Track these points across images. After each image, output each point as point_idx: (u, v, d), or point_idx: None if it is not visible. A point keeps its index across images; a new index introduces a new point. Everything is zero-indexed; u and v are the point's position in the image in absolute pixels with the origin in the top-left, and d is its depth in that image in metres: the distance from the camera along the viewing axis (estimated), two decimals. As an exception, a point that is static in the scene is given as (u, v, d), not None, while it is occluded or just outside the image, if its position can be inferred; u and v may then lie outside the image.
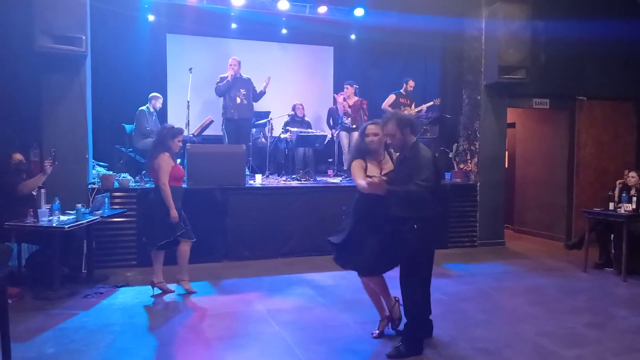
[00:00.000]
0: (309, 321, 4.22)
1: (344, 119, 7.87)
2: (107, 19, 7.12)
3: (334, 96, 8.61)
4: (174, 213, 4.67)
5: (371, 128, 3.72)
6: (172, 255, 4.97)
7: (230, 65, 7.33)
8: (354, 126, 7.82)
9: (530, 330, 4.04)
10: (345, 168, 7.52)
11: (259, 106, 8.40)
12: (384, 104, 7.83)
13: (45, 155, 5.38)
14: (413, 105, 7.88)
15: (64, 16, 5.33)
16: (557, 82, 7.73)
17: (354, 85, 7.97)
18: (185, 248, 4.86)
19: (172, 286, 4.96)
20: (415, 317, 3.57)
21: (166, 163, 4.73)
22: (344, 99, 7.90)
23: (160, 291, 4.90)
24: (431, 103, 7.91)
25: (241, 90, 7.39)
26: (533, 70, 7.18)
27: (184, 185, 5.39)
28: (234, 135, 7.38)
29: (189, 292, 4.90)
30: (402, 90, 7.92)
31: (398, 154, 3.72)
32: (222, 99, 7.54)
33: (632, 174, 6.10)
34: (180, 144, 4.92)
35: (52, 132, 5.66)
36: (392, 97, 7.88)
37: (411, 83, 7.93)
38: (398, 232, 3.52)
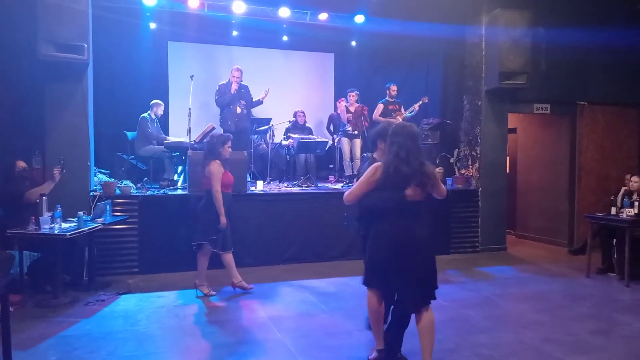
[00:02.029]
0: (311, 328, 4.21)
1: (346, 126, 7.89)
2: (109, 27, 7.14)
3: (335, 104, 8.61)
4: (223, 220, 4.82)
5: None
6: (193, 261, 5.12)
7: (234, 77, 7.32)
8: (355, 132, 7.84)
9: (534, 337, 4.02)
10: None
11: (260, 113, 8.42)
12: (374, 114, 7.84)
13: (49, 162, 5.39)
14: (402, 109, 7.89)
15: (67, 25, 5.35)
16: (558, 88, 7.75)
17: (356, 92, 8.00)
18: (207, 254, 5.03)
19: (191, 291, 5.08)
20: None
21: (217, 170, 4.85)
22: (346, 106, 7.92)
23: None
24: (420, 102, 7.90)
25: (241, 101, 7.42)
26: (534, 76, 7.19)
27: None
28: (233, 145, 7.36)
29: (207, 296, 5.02)
30: (388, 98, 7.94)
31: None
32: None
33: (635, 178, 6.08)
34: (230, 149, 5.05)
35: (54, 140, 5.68)
36: (380, 107, 7.90)
37: (393, 88, 7.95)
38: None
